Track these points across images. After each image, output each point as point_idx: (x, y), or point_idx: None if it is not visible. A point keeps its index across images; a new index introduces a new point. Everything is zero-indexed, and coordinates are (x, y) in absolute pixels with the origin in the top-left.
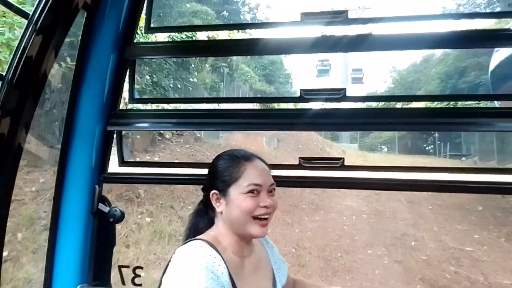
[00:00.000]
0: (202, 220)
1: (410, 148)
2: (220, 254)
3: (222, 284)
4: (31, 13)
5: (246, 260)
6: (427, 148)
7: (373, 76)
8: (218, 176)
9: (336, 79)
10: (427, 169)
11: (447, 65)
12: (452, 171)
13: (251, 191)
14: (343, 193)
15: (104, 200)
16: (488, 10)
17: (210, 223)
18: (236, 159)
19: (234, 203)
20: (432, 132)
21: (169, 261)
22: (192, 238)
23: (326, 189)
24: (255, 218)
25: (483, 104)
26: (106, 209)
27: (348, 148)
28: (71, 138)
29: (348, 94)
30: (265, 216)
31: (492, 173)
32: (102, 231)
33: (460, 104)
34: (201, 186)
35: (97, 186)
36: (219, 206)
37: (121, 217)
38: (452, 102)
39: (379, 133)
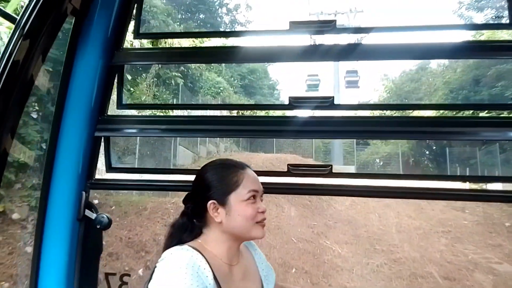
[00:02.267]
0: (187, 234)
1: (417, 171)
2: (206, 260)
3: (205, 286)
4: (18, 17)
5: (235, 268)
6: (438, 170)
7: (366, 85)
8: (214, 186)
9: (327, 92)
10: (418, 176)
11: (456, 73)
12: (444, 178)
13: (252, 197)
14: (348, 264)
15: (91, 207)
16: (482, 22)
17: (196, 235)
18: (233, 168)
19: (236, 211)
20: (442, 152)
21: (155, 266)
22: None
23: (324, 260)
24: (257, 223)
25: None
26: (93, 215)
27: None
28: (58, 143)
29: (343, 100)
30: (263, 221)
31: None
32: (89, 238)
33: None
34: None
35: (83, 192)
36: (217, 216)
37: (108, 224)
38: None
39: (375, 149)
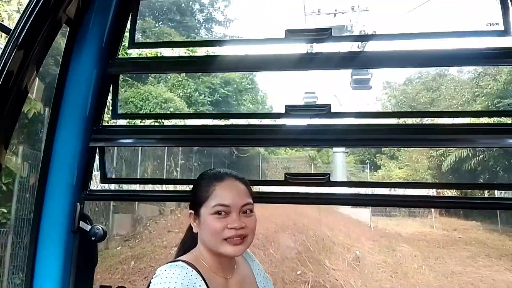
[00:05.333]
0: (190, 240)
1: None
2: (201, 275)
3: None
4: (12, 28)
5: (230, 281)
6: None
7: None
8: (193, 196)
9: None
10: (416, 184)
11: (498, 81)
12: (442, 186)
13: (218, 212)
14: None
15: (85, 218)
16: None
17: (196, 242)
18: (208, 179)
19: (204, 224)
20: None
21: (150, 282)
22: (174, 260)
23: None
24: (225, 239)
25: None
26: (87, 227)
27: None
28: (52, 154)
29: (352, 102)
30: (235, 239)
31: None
32: (83, 250)
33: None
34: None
35: (78, 204)
36: (195, 227)
37: (103, 236)
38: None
39: (386, 173)
